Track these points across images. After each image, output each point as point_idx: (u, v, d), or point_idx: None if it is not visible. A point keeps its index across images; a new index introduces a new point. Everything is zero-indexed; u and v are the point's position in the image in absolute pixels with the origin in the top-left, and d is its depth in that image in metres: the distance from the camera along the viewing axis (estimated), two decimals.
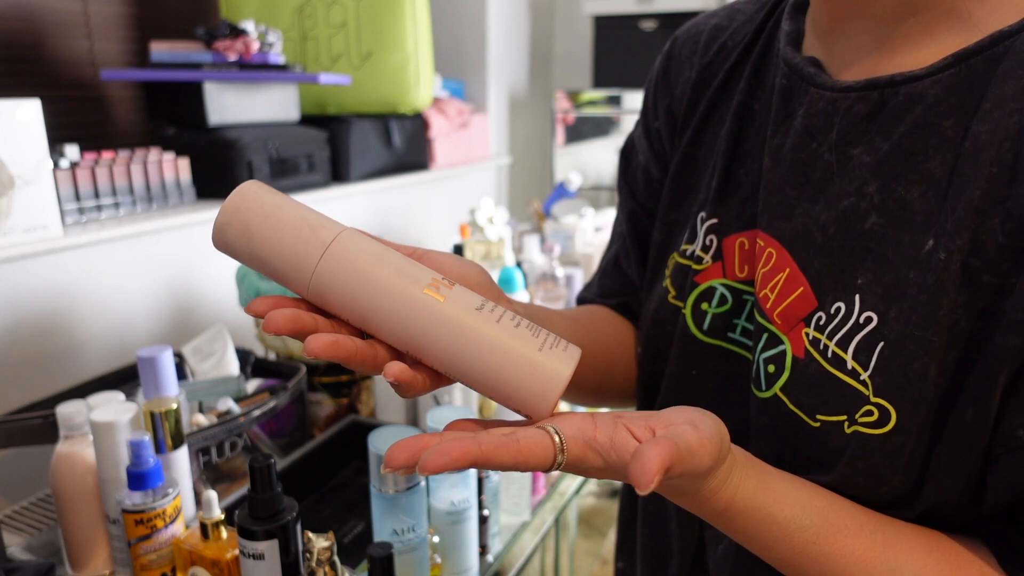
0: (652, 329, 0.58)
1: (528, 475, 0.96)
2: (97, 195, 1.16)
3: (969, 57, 0.40)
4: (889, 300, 0.42)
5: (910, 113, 0.42)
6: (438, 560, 0.81)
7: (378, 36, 1.64)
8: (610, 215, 2.02)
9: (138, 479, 0.72)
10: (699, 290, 0.54)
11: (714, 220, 0.53)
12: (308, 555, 0.69)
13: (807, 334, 0.45)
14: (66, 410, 0.77)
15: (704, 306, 0.54)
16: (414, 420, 1.12)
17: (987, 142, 0.39)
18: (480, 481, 0.85)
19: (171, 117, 1.38)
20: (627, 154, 0.67)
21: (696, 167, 0.57)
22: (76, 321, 1.14)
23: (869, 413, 0.41)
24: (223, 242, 0.38)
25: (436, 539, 0.80)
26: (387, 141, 1.74)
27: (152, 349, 0.85)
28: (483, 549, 0.88)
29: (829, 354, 0.44)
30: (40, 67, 1.31)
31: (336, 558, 0.70)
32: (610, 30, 2.35)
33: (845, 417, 0.43)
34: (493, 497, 0.89)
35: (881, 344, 0.41)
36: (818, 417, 0.44)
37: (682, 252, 0.56)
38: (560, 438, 0.35)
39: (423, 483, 0.76)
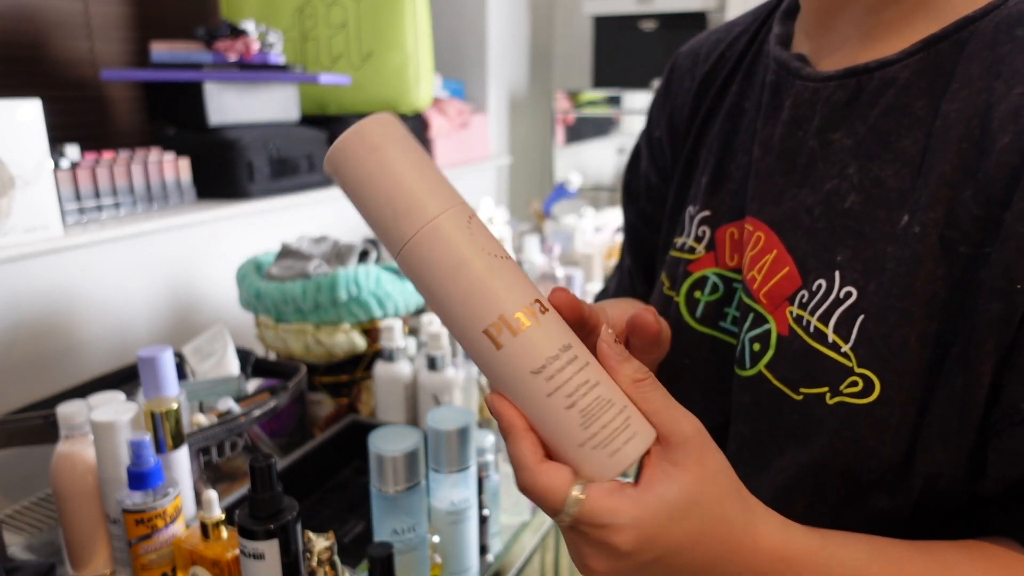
0: None
1: None
2: (97, 195, 1.16)
3: (937, 42, 0.43)
4: (868, 275, 0.43)
5: (883, 96, 0.44)
6: (438, 560, 0.81)
7: (378, 36, 1.64)
8: (610, 215, 2.02)
9: (138, 479, 0.72)
10: (692, 279, 0.56)
11: (707, 212, 0.56)
12: (308, 555, 0.69)
13: (791, 312, 0.47)
14: (66, 410, 0.77)
15: (697, 295, 0.55)
16: (414, 420, 1.12)
17: (956, 120, 0.41)
18: (480, 481, 0.85)
19: (171, 117, 1.38)
20: (631, 164, 0.69)
21: (695, 169, 0.59)
22: (76, 321, 1.14)
23: (854, 384, 0.43)
24: (345, 160, 0.36)
25: (436, 539, 0.80)
26: None
27: (152, 349, 0.85)
28: (483, 549, 0.88)
29: (812, 329, 0.45)
30: (40, 67, 1.31)
31: (336, 558, 0.70)
32: (610, 30, 2.35)
33: (827, 389, 0.44)
34: (493, 497, 0.89)
35: (862, 317, 0.43)
36: (801, 390, 0.45)
37: (674, 245, 0.58)
38: (578, 498, 0.35)
39: (423, 483, 0.76)
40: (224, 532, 0.72)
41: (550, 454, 0.37)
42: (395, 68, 1.67)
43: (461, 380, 1.09)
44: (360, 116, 1.68)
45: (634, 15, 2.28)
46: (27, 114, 1.00)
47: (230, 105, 1.36)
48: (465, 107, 2.10)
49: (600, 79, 2.40)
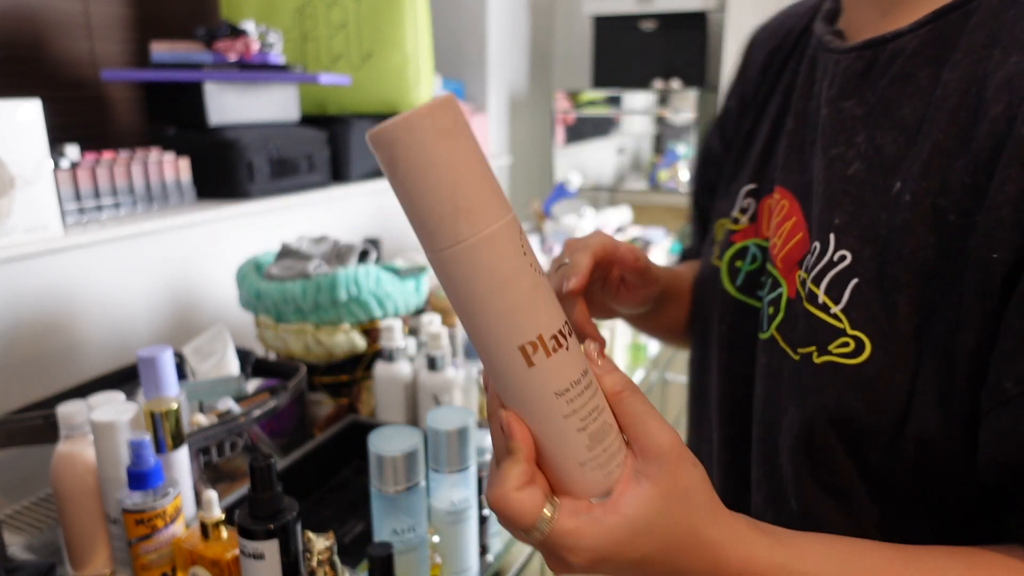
0: (696, 287, 0.64)
1: None
2: (97, 195, 1.16)
3: (948, 12, 0.43)
4: (863, 240, 0.44)
5: (892, 66, 0.45)
6: (438, 560, 0.81)
7: (378, 36, 1.64)
8: (610, 215, 2.02)
9: (138, 479, 0.72)
10: (735, 249, 0.58)
11: (753, 184, 0.58)
12: (308, 555, 0.69)
13: (799, 276, 0.49)
14: (66, 410, 0.77)
15: (739, 264, 0.58)
16: (414, 420, 1.12)
17: (954, 89, 0.41)
18: (480, 481, 0.85)
19: (171, 117, 1.38)
20: (707, 130, 0.73)
21: (753, 144, 0.62)
22: (76, 321, 1.14)
23: (845, 344, 0.44)
24: (410, 140, 0.32)
25: (436, 539, 0.80)
26: None
27: (152, 349, 0.85)
28: (483, 549, 0.88)
29: (807, 290, 0.47)
30: (40, 67, 1.31)
31: (336, 558, 0.70)
32: (610, 30, 2.35)
33: (815, 348, 0.45)
34: None
35: (855, 281, 0.44)
36: (799, 351, 0.47)
37: (725, 214, 0.62)
38: (548, 520, 0.36)
39: (423, 483, 0.76)
40: (224, 532, 0.72)
41: (546, 469, 0.38)
42: (395, 68, 1.67)
43: (461, 380, 1.09)
44: (360, 117, 1.67)
45: (634, 15, 2.28)
46: (27, 114, 1.00)
47: (230, 105, 1.36)
48: (465, 107, 2.10)
49: (600, 79, 2.40)
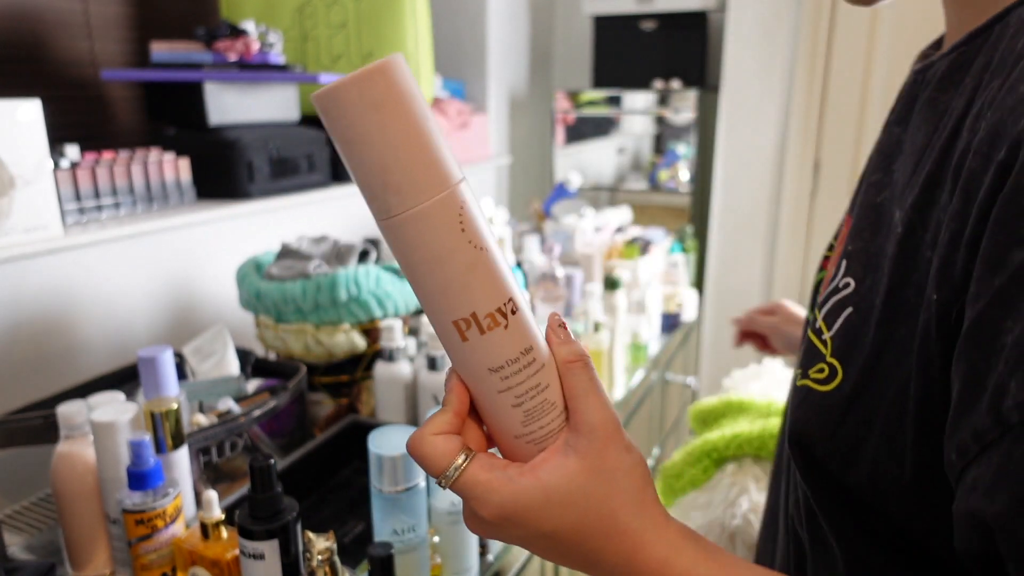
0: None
1: None
2: (97, 195, 1.16)
3: (976, 36, 0.41)
4: (866, 269, 0.43)
5: (924, 92, 0.44)
6: (438, 560, 0.81)
7: (378, 36, 1.64)
8: (610, 215, 2.01)
9: (138, 479, 0.72)
10: (821, 275, 0.58)
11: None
12: (308, 555, 0.69)
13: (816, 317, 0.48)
14: (66, 410, 0.77)
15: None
16: (414, 420, 1.12)
17: (954, 115, 0.39)
18: None
19: (171, 117, 1.38)
20: None
21: None
22: (76, 321, 1.14)
23: (821, 370, 0.43)
24: (339, 112, 0.32)
25: (436, 539, 0.80)
26: None
27: (152, 349, 0.85)
28: (483, 549, 0.88)
29: (813, 315, 0.47)
30: (40, 67, 1.31)
31: (336, 558, 0.70)
32: (610, 30, 2.35)
33: (800, 371, 0.45)
34: None
35: (849, 310, 0.43)
36: (796, 372, 0.47)
37: None
38: (458, 467, 0.38)
39: (423, 483, 0.76)
40: (224, 532, 0.72)
41: (491, 434, 0.41)
42: None
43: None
44: None
45: (634, 15, 2.28)
46: (27, 114, 1.00)
47: (230, 105, 1.36)
48: (465, 107, 2.10)
49: (600, 79, 2.40)
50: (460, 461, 0.38)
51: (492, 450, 0.42)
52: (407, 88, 0.33)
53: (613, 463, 0.38)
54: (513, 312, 0.37)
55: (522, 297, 0.38)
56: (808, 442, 0.42)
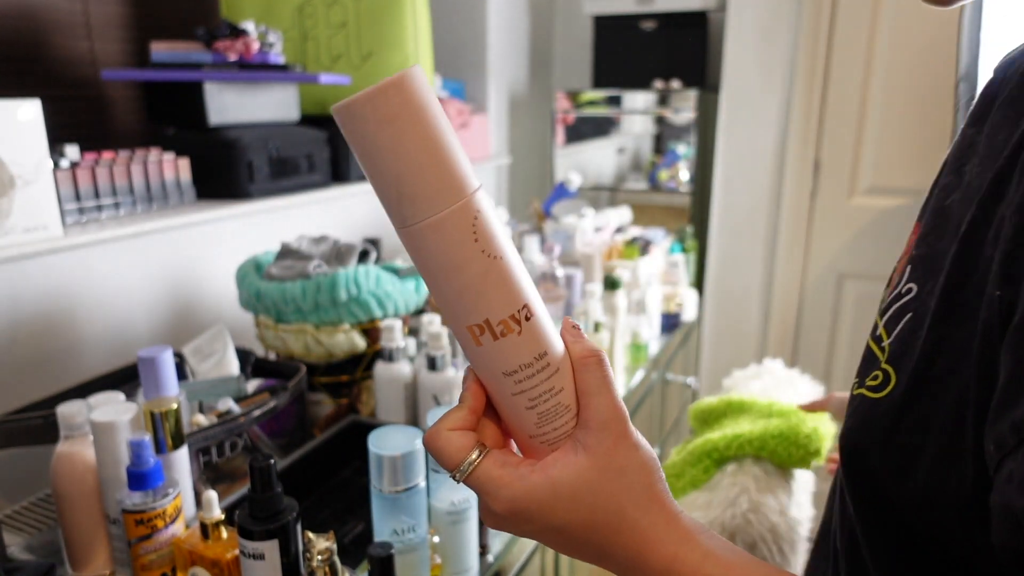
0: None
1: None
2: (97, 195, 1.16)
3: None
4: (929, 273, 0.41)
5: (1004, 91, 0.42)
6: (438, 560, 0.81)
7: (378, 36, 1.64)
8: (610, 215, 2.02)
9: (138, 479, 0.72)
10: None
11: None
12: (308, 555, 0.69)
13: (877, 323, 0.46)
14: (66, 410, 0.77)
15: None
16: (414, 420, 1.12)
17: None
18: None
19: (171, 117, 1.38)
20: None
21: None
22: (76, 321, 1.14)
23: (875, 377, 0.42)
24: (355, 126, 0.33)
25: (436, 539, 0.80)
26: None
27: (152, 349, 0.85)
28: (483, 549, 0.88)
29: (875, 322, 0.44)
30: (40, 67, 1.31)
31: (336, 558, 0.70)
32: (610, 30, 2.35)
33: (857, 380, 0.43)
34: None
35: (909, 315, 0.41)
36: (854, 382, 0.45)
37: None
38: (472, 463, 0.39)
39: (423, 483, 0.76)
40: (224, 532, 0.72)
41: (506, 429, 0.42)
42: (395, 68, 1.67)
43: (461, 380, 1.09)
44: None
45: (634, 15, 2.28)
46: (27, 114, 1.00)
47: (230, 105, 1.36)
48: (465, 107, 2.10)
49: (600, 79, 2.40)
50: (474, 457, 0.39)
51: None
52: (422, 102, 0.34)
53: (622, 460, 0.38)
54: (527, 318, 0.38)
55: (539, 303, 0.39)
56: (861, 451, 0.41)
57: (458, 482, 0.40)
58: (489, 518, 0.41)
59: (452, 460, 0.39)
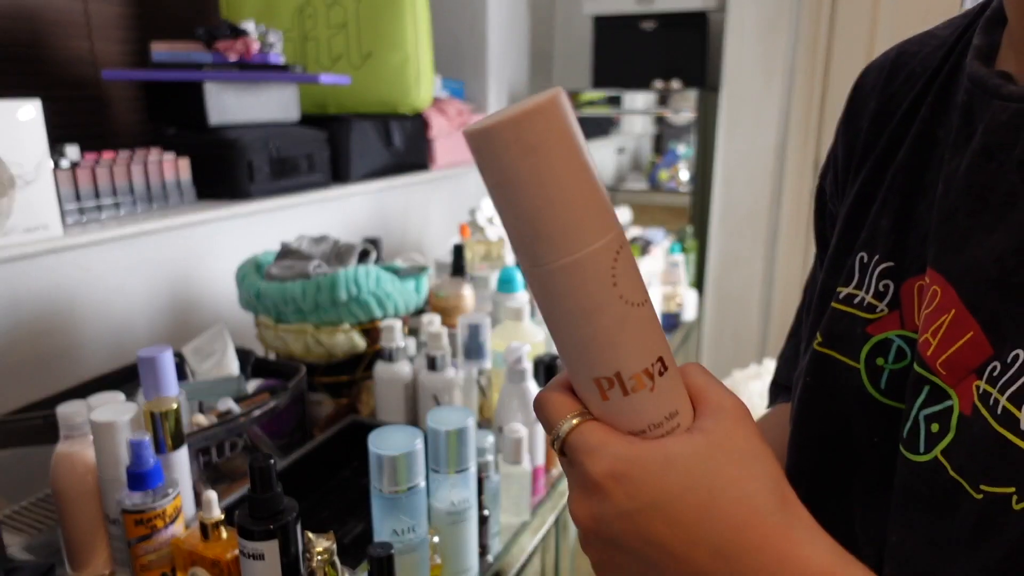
0: (806, 390, 0.51)
1: (528, 476, 0.96)
2: (97, 195, 1.16)
3: None
4: (1008, 336, 0.35)
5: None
6: (438, 560, 0.81)
7: (378, 36, 1.64)
8: None
9: (138, 479, 0.72)
10: (872, 342, 0.47)
11: (889, 263, 0.46)
12: (308, 555, 0.69)
13: (977, 387, 0.38)
14: (66, 410, 0.77)
15: (880, 361, 0.46)
16: (414, 420, 1.12)
17: None
18: (480, 481, 0.85)
19: (171, 117, 1.38)
20: (818, 200, 0.59)
21: (870, 207, 0.50)
22: (76, 321, 1.14)
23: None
24: (493, 154, 0.30)
25: (436, 539, 0.80)
26: (387, 141, 1.74)
27: (152, 349, 0.85)
28: (483, 549, 0.88)
29: (999, 411, 0.36)
30: (41, 67, 1.31)
31: (336, 558, 0.70)
32: (610, 30, 2.35)
33: (1014, 489, 0.35)
34: (493, 497, 0.89)
35: None
36: (982, 488, 0.36)
37: (837, 296, 0.49)
38: (579, 414, 0.35)
39: (423, 483, 0.76)
40: (224, 532, 0.72)
41: None
42: (395, 68, 1.67)
43: (461, 380, 1.09)
44: (360, 116, 1.67)
45: (634, 15, 2.28)
46: (27, 114, 1.00)
47: (230, 105, 1.36)
48: (465, 107, 2.10)
49: (600, 79, 2.40)
50: (574, 419, 0.34)
51: None
52: (567, 130, 0.30)
53: (743, 444, 0.33)
54: (661, 372, 0.34)
55: (671, 354, 0.35)
56: None
57: (558, 439, 0.35)
58: (585, 499, 0.34)
59: (558, 412, 0.34)
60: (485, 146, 0.30)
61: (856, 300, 0.48)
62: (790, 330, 0.64)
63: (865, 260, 0.47)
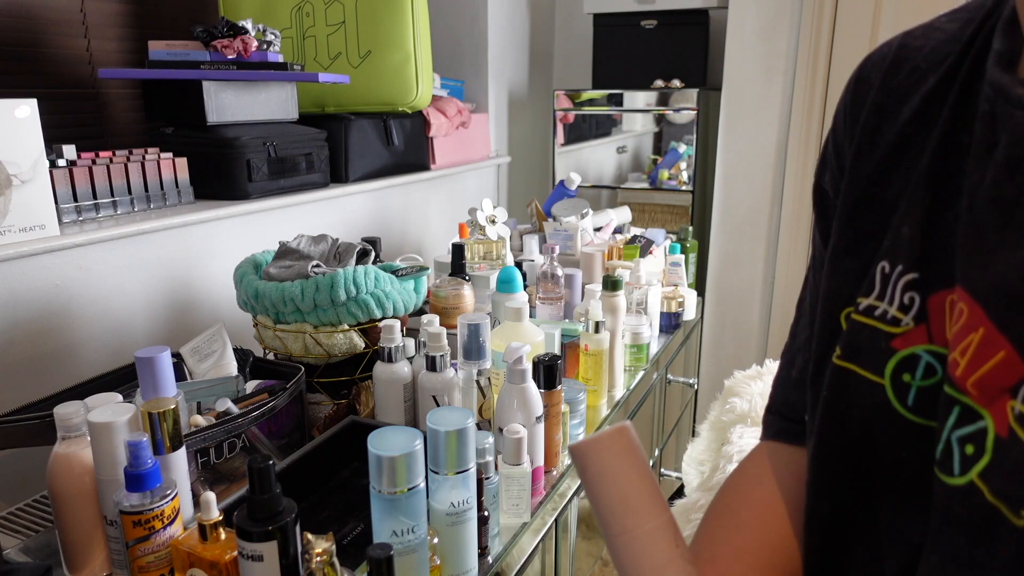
0: (825, 405, 0.50)
1: (528, 477, 0.95)
2: (95, 195, 1.16)
3: None
4: None
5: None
6: (438, 561, 0.80)
7: (377, 35, 1.64)
8: (610, 215, 2.01)
9: (136, 480, 0.71)
10: (899, 357, 0.45)
11: (914, 274, 0.45)
12: (307, 556, 0.68)
13: (1012, 407, 0.37)
14: (64, 411, 0.76)
15: (906, 377, 0.45)
16: (413, 420, 1.11)
17: None
18: (480, 482, 0.84)
19: (169, 116, 1.38)
20: (818, 202, 0.57)
21: (882, 208, 0.48)
22: (74, 321, 1.14)
23: None
24: (601, 453, 0.49)
25: (436, 540, 0.80)
26: (386, 140, 1.74)
27: (150, 349, 0.84)
28: (483, 550, 0.87)
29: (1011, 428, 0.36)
30: (38, 66, 1.31)
31: (335, 560, 0.70)
32: (610, 29, 2.35)
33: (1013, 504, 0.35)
34: (493, 498, 0.88)
35: None
36: (1023, 513, 0.36)
37: (857, 307, 0.48)
38: None
39: (423, 484, 0.76)
40: (222, 533, 0.71)
41: None
42: (394, 67, 1.66)
43: (461, 381, 1.08)
44: (359, 115, 1.67)
45: (634, 13, 2.28)
46: (24, 113, 1.00)
47: (228, 104, 1.35)
48: (465, 106, 2.10)
49: (600, 79, 2.39)
50: None
51: None
52: (639, 442, 0.50)
53: None
54: None
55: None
56: None
57: None
58: None
59: None
60: (593, 451, 0.49)
61: (878, 312, 0.46)
62: (784, 347, 0.63)
63: (887, 270, 0.46)
